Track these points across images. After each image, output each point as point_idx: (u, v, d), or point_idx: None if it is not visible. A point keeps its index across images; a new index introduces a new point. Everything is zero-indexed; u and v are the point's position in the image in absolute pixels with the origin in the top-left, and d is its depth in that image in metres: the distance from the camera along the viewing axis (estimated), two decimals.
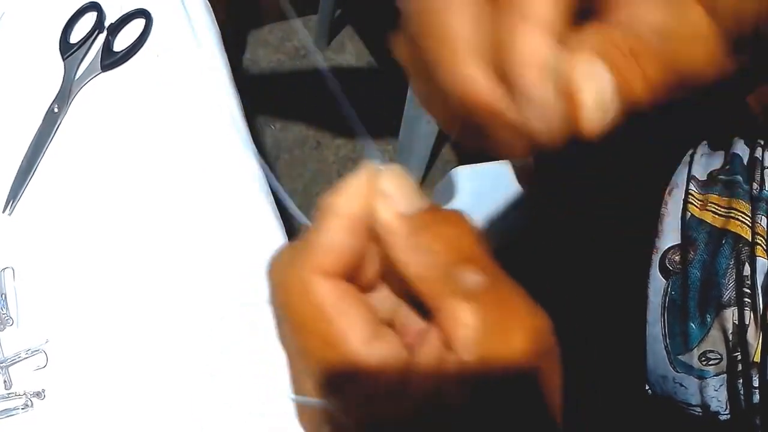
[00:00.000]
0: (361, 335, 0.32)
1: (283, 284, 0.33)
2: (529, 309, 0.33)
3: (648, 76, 0.32)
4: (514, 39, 0.31)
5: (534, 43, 0.31)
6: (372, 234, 0.33)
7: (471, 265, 0.32)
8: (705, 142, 0.74)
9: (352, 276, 0.34)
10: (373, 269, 0.35)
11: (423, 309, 0.34)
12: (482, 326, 0.31)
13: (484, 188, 1.20)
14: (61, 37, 0.88)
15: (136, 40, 0.86)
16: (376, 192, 0.33)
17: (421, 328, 0.34)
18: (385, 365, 0.32)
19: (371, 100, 2.25)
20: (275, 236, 0.75)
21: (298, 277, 0.32)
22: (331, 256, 0.32)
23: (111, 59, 0.85)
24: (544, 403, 0.33)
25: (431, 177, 2.08)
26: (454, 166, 1.26)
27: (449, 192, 1.24)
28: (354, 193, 0.33)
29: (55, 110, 0.82)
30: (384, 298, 0.36)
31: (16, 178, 0.79)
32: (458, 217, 0.34)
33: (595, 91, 0.31)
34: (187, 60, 0.86)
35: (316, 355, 0.32)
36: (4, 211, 0.77)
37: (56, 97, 0.83)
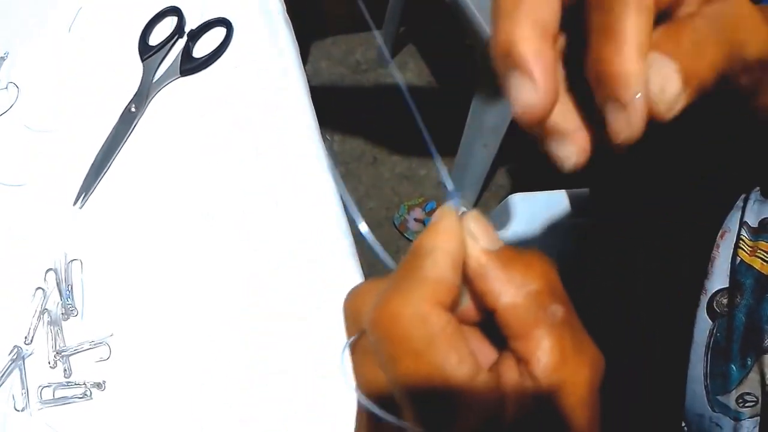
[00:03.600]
0: (469, 366, 0.33)
1: (396, 315, 0.34)
2: (592, 344, 0.35)
3: (708, 59, 0.35)
4: (610, 60, 0.34)
5: (630, 63, 0.33)
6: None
7: (555, 298, 0.34)
8: (757, 188, 0.74)
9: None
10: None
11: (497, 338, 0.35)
12: (561, 355, 0.33)
13: (539, 215, 1.21)
14: (140, 39, 0.91)
15: (216, 48, 0.89)
16: (465, 232, 0.36)
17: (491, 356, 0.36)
18: (489, 394, 0.34)
19: (429, 119, 2.26)
20: (343, 245, 0.76)
21: (413, 308, 0.33)
22: (445, 290, 0.34)
23: (190, 65, 0.87)
24: None
25: (485, 201, 2.08)
26: (508, 191, 1.26)
27: (504, 217, 1.25)
28: (452, 232, 0.35)
29: (132, 110, 0.84)
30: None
31: (89, 173, 0.81)
32: (539, 253, 0.36)
33: (662, 77, 0.34)
34: (266, 72, 0.87)
35: (423, 383, 0.33)
36: (75, 204, 0.79)
37: (134, 97, 0.85)
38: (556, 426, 0.33)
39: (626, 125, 0.34)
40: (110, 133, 0.83)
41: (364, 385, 0.36)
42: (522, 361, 0.33)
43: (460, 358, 0.33)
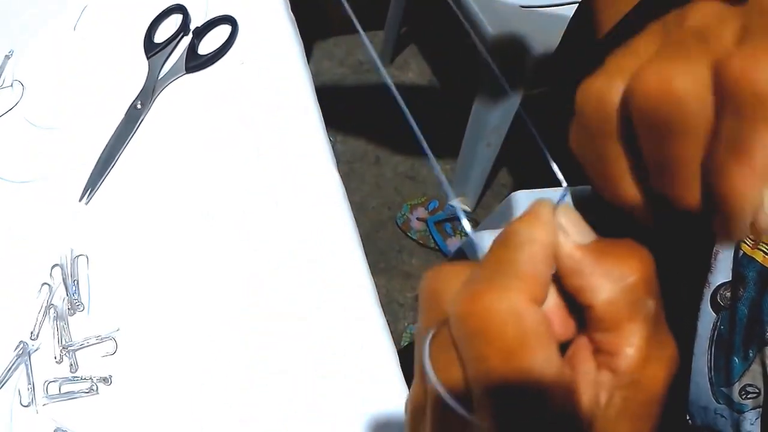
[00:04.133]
0: (557, 366, 0.32)
1: (487, 310, 0.32)
2: (672, 339, 0.34)
3: None
4: (733, 175, 0.32)
5: (755, 186, 0.31)
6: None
7: (650, 291, 0.33)
8: None
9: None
10: None
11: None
12: (647, 352, 0.32)
13: None
14: (145, 36, 0.91)
15: (221, 45, 0.89)
16: (557, 226, 0.35)
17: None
18: (567, 390, 0.33)
19: (432, 119, 2.27)
20: (347, 245, 0.76)
21: (509, 304, 0.32)
22: (540, 286, 0.33)
23: (196, 62, 0.88)
24: None
25: (487, 199, 2.08)
26: (511, 189, 1.27)
27: (507, 215, 1.25)
28: (547, 223, 0.34)
29: (138, 107, 0.85)
30: None
31: (95, 169, 0.81)
32: (634, 243, 0.35)
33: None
34: (271, 69, 0.88)
35: (511, 383, 0.32)
36: (81, 200, 0.79)
37: (139, 94, 0.86)
38: (629, 421, 0.33)
39: (729, 235, 0.33)
40: (116, 130, 0.83)
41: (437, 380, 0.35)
42: (604, 353, 0.33)
43: (549, 358, 0.32)
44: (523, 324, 0.32)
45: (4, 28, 0.93)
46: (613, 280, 0.33)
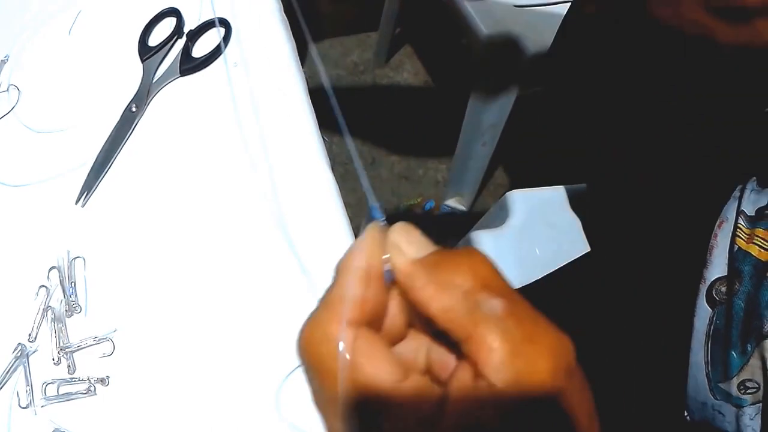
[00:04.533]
0: (389, 375, 0.33)
1: (309, 340, 0.35)
2: (549, 330, 0.34)
3: None
4: None
5: None
6: (394, 286, 0.36)
7: (491, 292, 0.34)
8: (754, 178, 0.75)
9: (378, 327, 0.36)
10: (399, 321, 0.37)
11: (453, 345, 0.35)
12: (510, 349, 0.32)
13: (538, 212, 1.22)
14: (140, 40, 0.91)
15: (215, 48, 0.89)
16: (389, 245, 0.36)
17: (454, 363, 0.36)
18: (417, 399, 0.34)
19: (427, 119, 2.28)
20: (345, 244, 0.76)
21: (322, 331, 0.34)
22: (351, 307, 0.34)
23: (190, 64, 0.88)
24: (571, 420, 0.34)
25: (484, 198, 2.08)
26: (507, 189, 1.27)
27: (503, 214, 1.25)
28: (364, 250, 0.35)
29: (133, 110, 0.85)
30: (415, 344, 0.38)
31: (90, 172, 0.81)
32: (470, 249, 0.36)
33: None
34: (265, 71, 0.88)
35: (348, 399, 0.33)
36: (77, 203, 0.80)
37: (134, 97, 0.86)
38: (527, 418, 0.32)
39: None
40: (111, 132, 0.83)
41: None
42: (472, 361, 0.33)
43: (376, 367, 0.33)
44: (333, 344, 0.33)
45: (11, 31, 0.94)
46: (444, 288, 0.34)
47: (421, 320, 0.36)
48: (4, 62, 0.90)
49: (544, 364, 0.32)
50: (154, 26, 0.93)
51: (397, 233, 0.36)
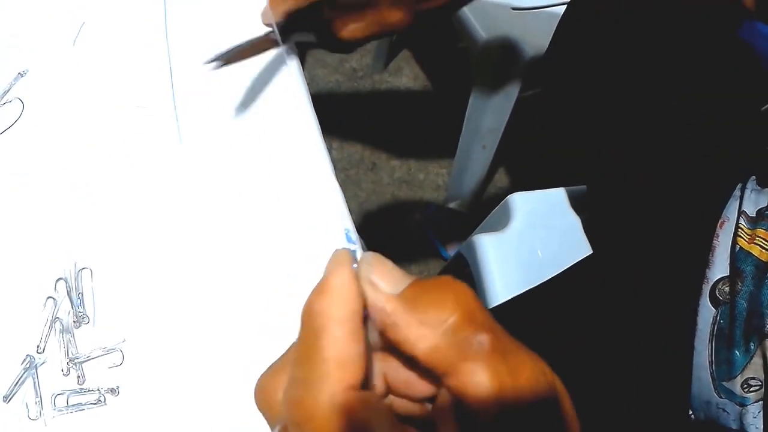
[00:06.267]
0: None
1: (310, 415, 0.32)
2: (528, 360, 0.33)
3: None
4: None
5: None
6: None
7: (477, 327, 0.33)
8: (754, 177, 0.75)
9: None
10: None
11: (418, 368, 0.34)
12: (498, 385, 0.31)
13: (539, 214, 1.22)
14: None
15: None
16: (362, 281, 0.34)
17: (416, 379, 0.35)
18: None
19: (427, 123, 2.28)
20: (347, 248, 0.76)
21: (326, 403, 0.32)
22: (351, 369, 0.32)
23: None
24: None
25: (484, 202, 2.09)
26: (508, 191, 1.27)
27: (505, 217, 1.26)
28: (342, 293, 0.34)
29: None
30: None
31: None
32: (450, 280, 0.34)
33: None
34: (268, 78, 0.88)
35: None
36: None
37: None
38: None
39: None
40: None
41: None
42: (459, 398, 0.32)
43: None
44: (345, 413, 0.31)
45: (18, 46, 0.93)
46: (431, 326, 0.32)
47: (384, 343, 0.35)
48: (21, 75, 0.90)
49: (528, 394, 0.32)
50: None
51: (370, 266, 0.35)
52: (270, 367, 0.37)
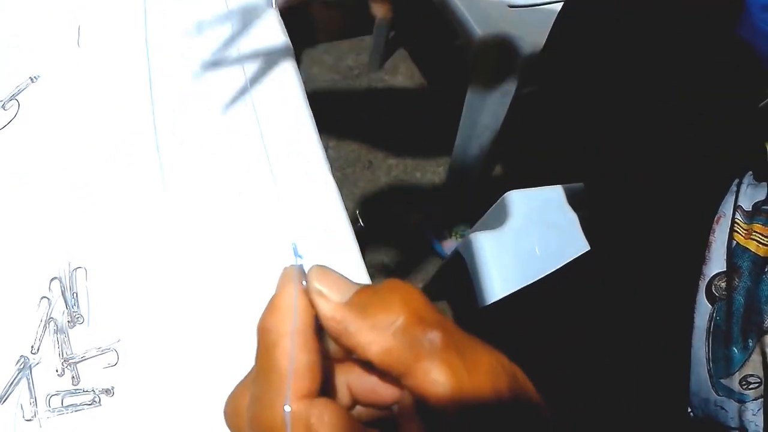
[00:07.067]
0: None
1: (266, 426, 0.33)
2: (485, 352, 0.34)
3: None
4: None
5: None
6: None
7: (427, 325, 0.33)
8: (750, 172, 0.75)
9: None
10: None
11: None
12: (456, 380, 0.32)
13: (536, 211, 1.22)
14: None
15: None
16: (311, 292, 0.35)
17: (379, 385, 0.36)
18: None
19: (423, 121, 2.28)
20: (345, 245, 0.77)
21: (278, 413, 0.32)
22: (304, 377, 0.33)
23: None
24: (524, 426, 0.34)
25: (481, 199, 2.08)
26: (505, 189, 1.27)
27: (502, 215, 1.25)
28: (290, 307, 0.34)
29: None
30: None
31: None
32: (396, 283, 0.35)
33: None
34: (264, 76, 0.88)
35: None
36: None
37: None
38: None
39: None
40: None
41: None
42: (418, 395, 0.32)
43: None
44: (301, 424, 0.32)
45: (32, 51, 0.93)
46: (381, 329, 0.33)
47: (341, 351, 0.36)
48: (33, 81, 0.90)
49: (489, 387, 0.32)
50: None
51: (317, 278, 0.35)
52: (234, 389, 0.37)
